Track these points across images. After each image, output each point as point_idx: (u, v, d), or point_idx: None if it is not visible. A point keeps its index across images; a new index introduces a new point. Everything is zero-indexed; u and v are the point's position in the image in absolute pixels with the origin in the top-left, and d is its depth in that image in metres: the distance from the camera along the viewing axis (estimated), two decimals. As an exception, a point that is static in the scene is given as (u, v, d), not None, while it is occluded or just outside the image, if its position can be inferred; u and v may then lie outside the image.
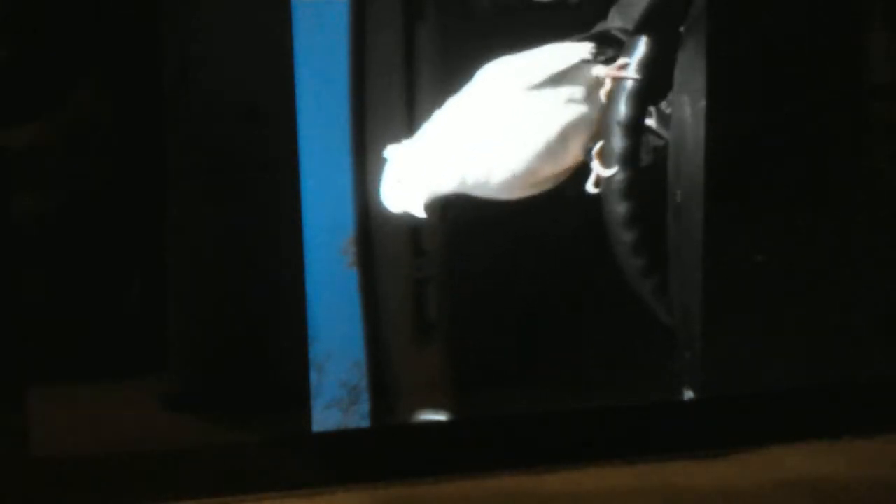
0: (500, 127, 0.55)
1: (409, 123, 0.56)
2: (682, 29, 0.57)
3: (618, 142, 0.56)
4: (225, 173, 0.54)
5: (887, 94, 0.61)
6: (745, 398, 0.61)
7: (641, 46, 0.56)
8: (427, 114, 0.56)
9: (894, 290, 0.62)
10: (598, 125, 0.57)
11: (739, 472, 0.58)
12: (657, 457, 0.59)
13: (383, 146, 0.56)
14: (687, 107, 0.58)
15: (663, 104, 0.58)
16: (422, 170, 0.54)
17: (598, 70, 0.56)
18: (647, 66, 0.56)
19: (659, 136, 0.58)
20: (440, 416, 0.58)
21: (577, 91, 0.56)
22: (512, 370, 0.59)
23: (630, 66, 0.55)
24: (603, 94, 0.56)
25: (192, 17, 0.53)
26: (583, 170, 0.57)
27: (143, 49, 0.53)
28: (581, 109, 0.56)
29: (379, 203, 0.56)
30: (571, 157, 0.57)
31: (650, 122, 0.58)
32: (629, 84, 0.56)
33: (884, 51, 0.61)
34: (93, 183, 0.53)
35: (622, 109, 0.56)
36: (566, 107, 0.55)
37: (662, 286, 0.59)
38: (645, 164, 0.58)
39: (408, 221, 0.56)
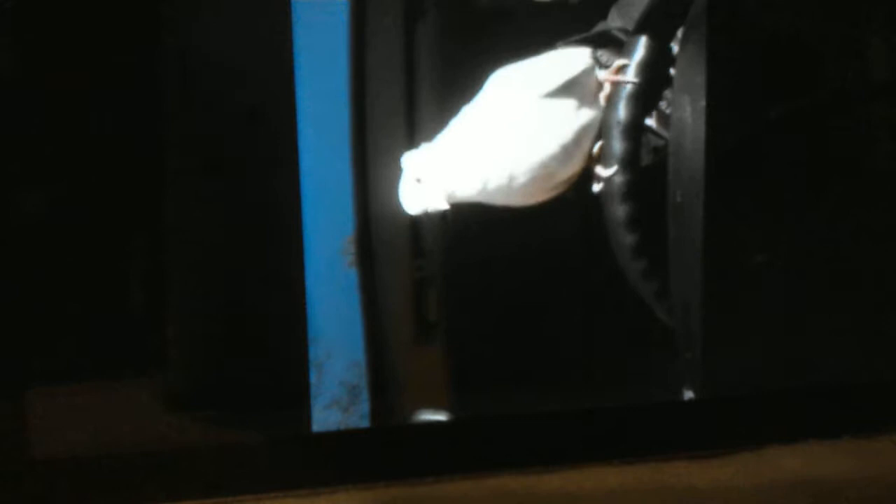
0: (519, 134, 0.56)
1: (408, 122, 0.56)
2: (680, 30, 0.57)
3: (617, 143, 0.56)
4: (225, 173, 0.54)
5: (887, 94, 0.61)
6: (745, 398, 0.61)
7: (640, 48, 0.56)
8: (426, 112, 0.56)
9: (894, 289, 0.62)
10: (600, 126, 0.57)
11: (739, 472, 0.58)
12: (657, 457, 0.59)
13: (383, 145, 0.56)
14: (687, 107, 0.58)
15: (663, 104, 0.58)
16: (441, 172, 0.55)
17: (599, 73, 0.56)
18: (646, 68, 0.56)
19: (659, 135, 0.58)
20: (440, 416, 0.58)
21: (587, 95, 0.57)
22: (512, 370, 0.59)
23: (629, 69, 0.56)
24: (602, 97, 0.56)
25: (192, 17, 0.53)
26: (590, 173, 0.58)
27: (143, 49, 0.53)
28: (592, 113, 0.57)
29: (379, 203, 0.56)
30: (585, 158, 0.57)
31: (650, 121, 0.58)
32: (628, 87, 0.56)
33: (884, 50, 0.61)
34: (92, 182, 0.53)
35: (621, 112, 0.56)
36: (578, 111, 0.57)
37: (663, 288, 0.59)
38: (645, 164, 0.58)
39: (408, 221, 0.56)
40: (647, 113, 0.57)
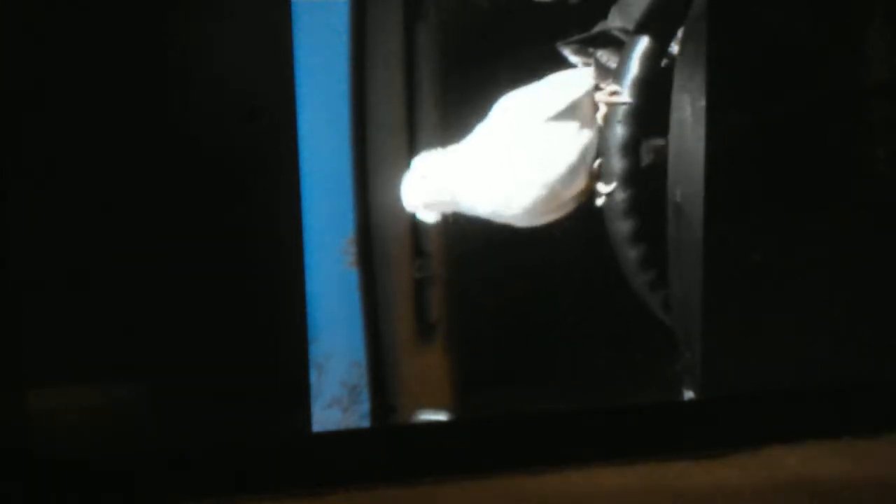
0: (524, 158, 0.57)
1: (408, 121, 0.56)
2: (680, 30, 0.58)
3: (615, 161, 0.57)
4: (225, 173, 0.54)
5: (887, 94, 0.61)
6: (745, 398, 0.61)
7: (633, 67, 0.57)
8: (426, 112, 0.56)
9: (894, 289, 0.62)
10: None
11: (739, 472, 0.58)
12: (657, 457, 0.59)
13: (384, 144, 0.56)
14: (687, 107, 0.58)
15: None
16: (448, 173, 0.56)
17: (596, 95, 0.57)
18: (640, 86, 0.57)
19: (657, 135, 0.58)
20: (440, 416, 0.58)
21: (589, 116, 0.58)
22: (512, 370, 0.59)
23: (622, 90, 0.57)
24: (599, 117, 0.57)
25: (192, 17, 0.53)
26: (592, 189, 0.59)
27: (143, 49, 0.53)
28: (594, 133, 0.58)
29: (379, 203, 0.56)
30: (588, 177, 0.58)
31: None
32: (622, 107, 0.57)
33: (883, 50, 0.61)
34: (93, 183, 0.53)
35: (618, 131, 0.57)
36: (581, 132, 0.57)
37: (669, 299, 0.59)
38: (645, 164, 0.58)
39: (408, 221, 0.56)
40: (645, 129, 0.58)
